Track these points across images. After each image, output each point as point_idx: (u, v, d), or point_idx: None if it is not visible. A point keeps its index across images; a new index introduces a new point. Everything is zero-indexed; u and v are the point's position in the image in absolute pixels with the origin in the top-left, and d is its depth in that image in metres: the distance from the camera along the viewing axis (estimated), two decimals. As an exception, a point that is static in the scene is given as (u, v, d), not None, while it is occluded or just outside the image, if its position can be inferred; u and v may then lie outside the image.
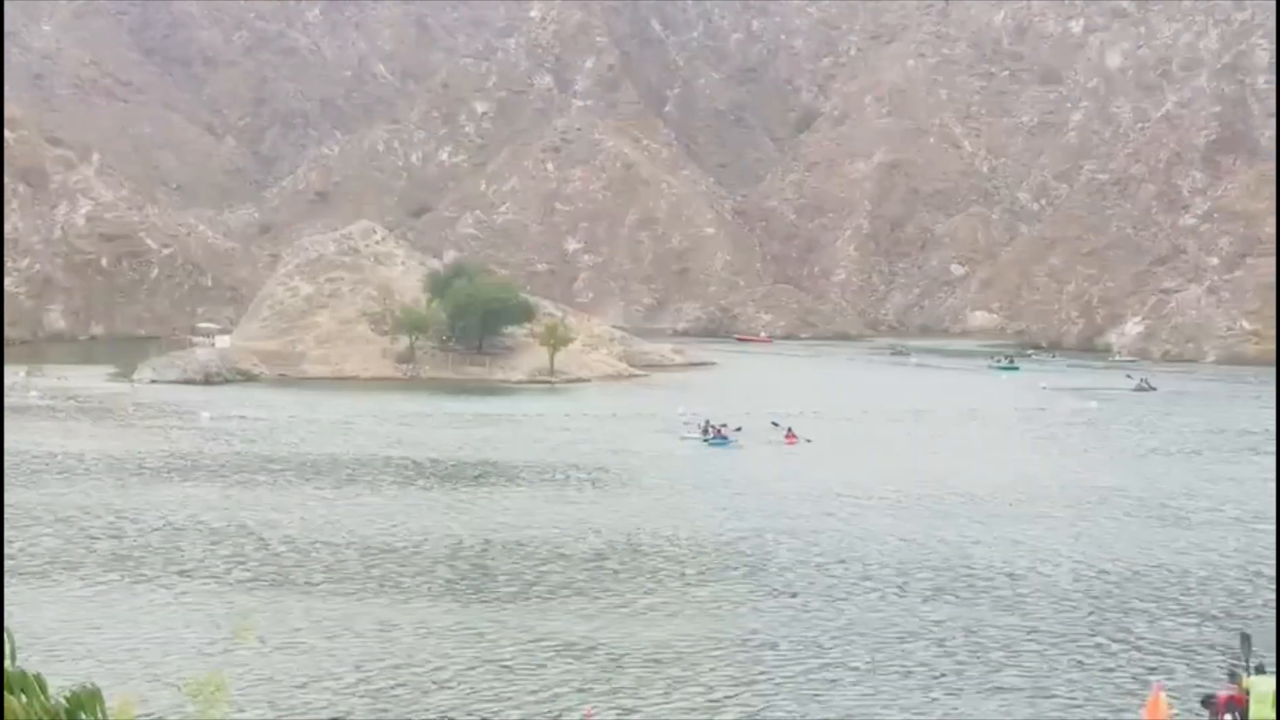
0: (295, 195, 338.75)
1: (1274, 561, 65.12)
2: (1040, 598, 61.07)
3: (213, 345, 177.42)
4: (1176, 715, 37.41)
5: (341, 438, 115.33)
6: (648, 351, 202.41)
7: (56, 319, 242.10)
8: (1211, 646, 52.84)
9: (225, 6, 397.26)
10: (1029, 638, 54.50)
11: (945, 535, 74.53)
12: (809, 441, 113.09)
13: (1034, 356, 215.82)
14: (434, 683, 48.57)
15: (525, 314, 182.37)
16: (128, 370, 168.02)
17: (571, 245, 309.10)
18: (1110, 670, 50.41)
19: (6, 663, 10.17)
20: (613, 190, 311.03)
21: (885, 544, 72.10)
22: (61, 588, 61.20)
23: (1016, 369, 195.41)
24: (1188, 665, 50.91)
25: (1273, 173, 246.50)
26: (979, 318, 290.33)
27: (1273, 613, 58.62)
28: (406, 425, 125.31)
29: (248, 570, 65.55)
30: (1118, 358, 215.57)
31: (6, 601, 55.48)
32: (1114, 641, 54.14)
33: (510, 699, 47.05)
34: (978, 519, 79.92)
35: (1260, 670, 37.47)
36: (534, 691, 47.71)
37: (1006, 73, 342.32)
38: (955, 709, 46.22)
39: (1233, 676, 38.18)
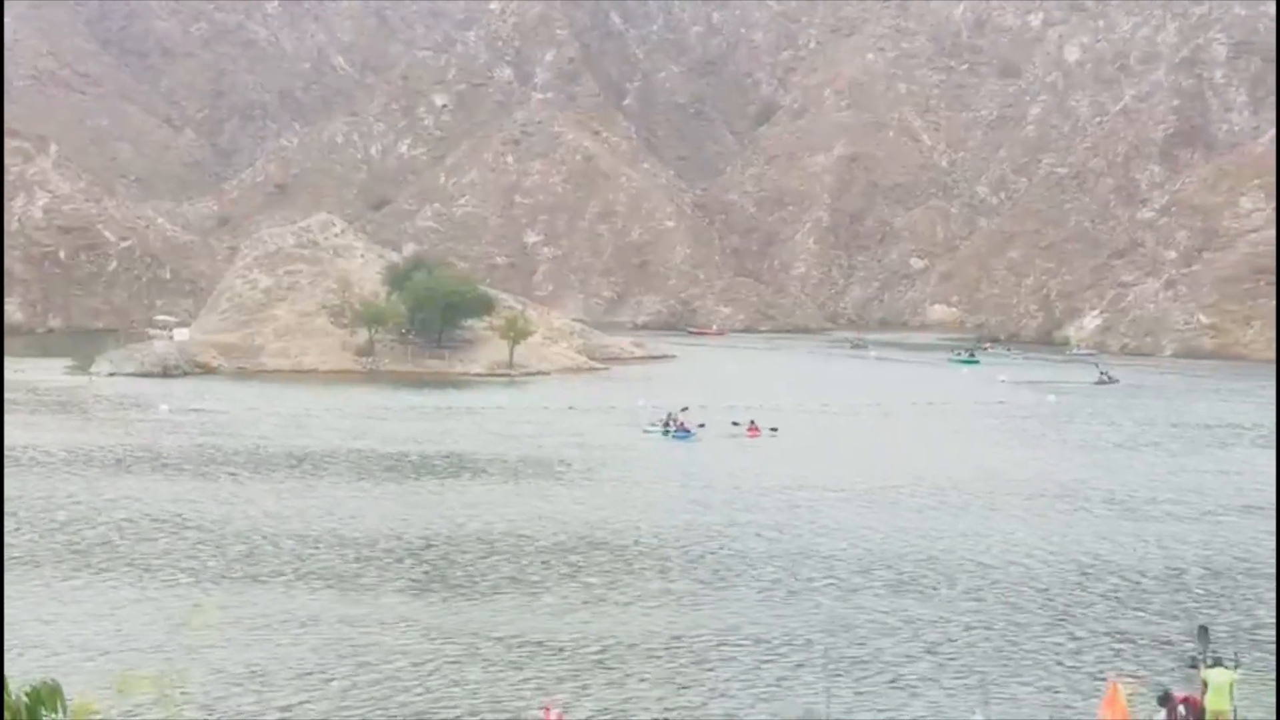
0: (254, 187, 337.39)
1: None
2: (1001, 591, 61.19)
3: (170, 338, 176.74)
4: (1134, 712, 37.47)
5: (301, 431, 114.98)
6: (607, 344, 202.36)
7: (14, 311, 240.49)
8: (1169, 640, 53.02)
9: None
10: (989, 631, 54.60)
11: (906, 528, 74.66)
12: (773, 432, 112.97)
13: (990, 350, 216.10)
14: (394, 676, 48.44)
15: (485, 307, 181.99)
16: (85, 363, 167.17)
17: (531, 238, 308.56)
18: (1071, 667, 50.50)
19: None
20: (572, 183, 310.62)
21: (846, 537, 72.17)
22: (21, 584, 60.78)
23: (976, 362, 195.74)
24: (1148, 659, 51.06)
25: (1230, 167, 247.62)
26: (938, 311, 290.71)
27: (1233, 606, 58.89)
28: (366, 418, 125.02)
29: (207, 564, 65.28)
30: (1076, 351, 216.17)
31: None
32: (1074, 636, 54.26)
33: (471, 692, 46.97)
34: (939, 512, 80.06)
35: (1218, 663, 37.60)
36: (494, 685, 47.62)
37: (965, 66, 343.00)
38: (910, 704, 46.28)
39: (1195, 667, 38.28)
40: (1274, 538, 70.42)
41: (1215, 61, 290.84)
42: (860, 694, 46.99)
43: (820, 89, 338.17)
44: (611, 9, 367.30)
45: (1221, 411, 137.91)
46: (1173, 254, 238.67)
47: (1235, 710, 36.91)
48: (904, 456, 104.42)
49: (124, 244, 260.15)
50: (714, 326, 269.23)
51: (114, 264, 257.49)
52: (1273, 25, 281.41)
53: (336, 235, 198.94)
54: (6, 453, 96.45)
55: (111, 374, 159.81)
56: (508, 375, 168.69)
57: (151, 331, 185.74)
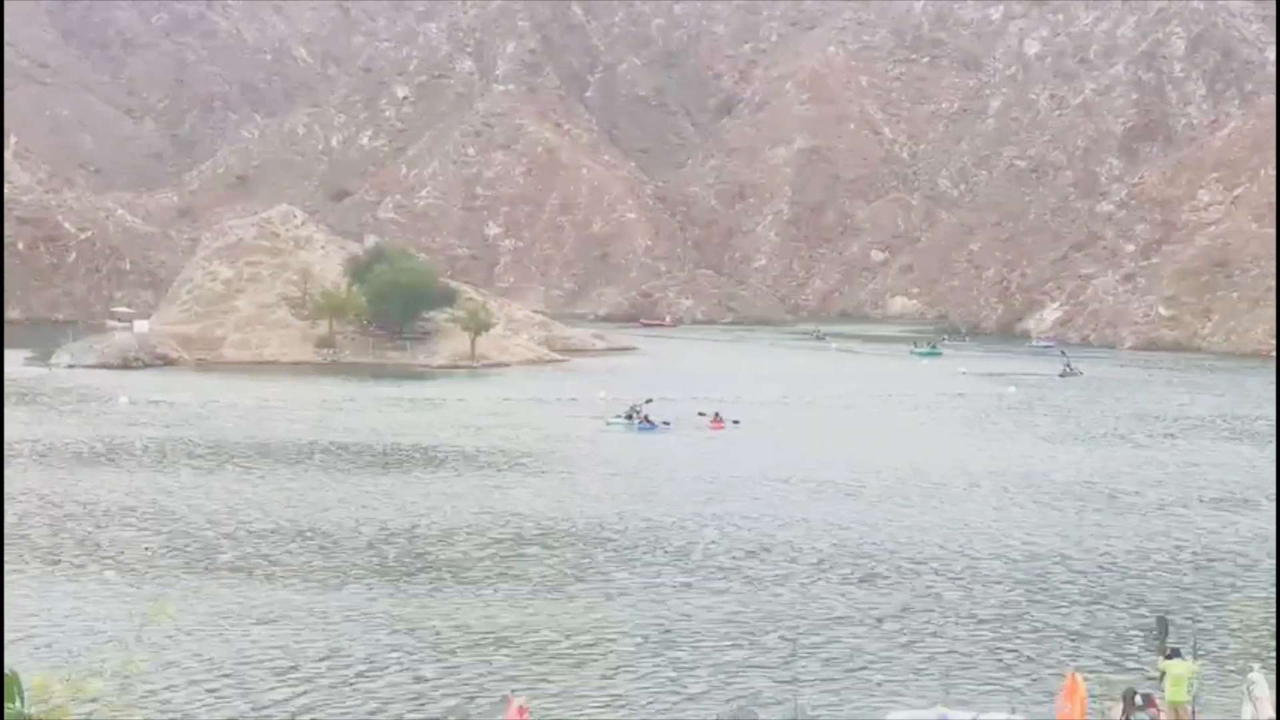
0: (215, 179, 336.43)
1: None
2: (963, 582, 61.35)
3: (130, 329, 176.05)
4: (1092, 704, 37.60)
5: (263, 422, 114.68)
6: (569, 336, 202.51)
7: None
8: (1130, 631, 53.23)
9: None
10: (951, 623, 54.72)
11: (867, 520, 74.79)
12: (736, 423, 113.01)
13: (948, 341, 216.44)
14: (359, 669, 48.35)
15: (446, 299, 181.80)
16: (45, 354, 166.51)
17: (492, 230, 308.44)
18: (1032, 658, 50.64)
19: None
20: (534, 175, 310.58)
21: (807, 528, 72.26)
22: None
23: (938, 354, 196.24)
24: (1108, 650, 51.26)
25: (1189, 160, 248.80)
26: (899, 303, 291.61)
27: (1193, 597, 59.20)
28: (328, 410, 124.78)
29: (169, 557, 65.05)
30: (1036, 343, 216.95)
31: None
32: (1036, 627, 54.43)
33: (435, 684, 46.93)
34: (901, 503, 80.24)
35: (1176, 654, 37.75)
36: (458, 677, 47.59)
37: (926, 59, 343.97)
38: (872, 694, 46.37)
39: (1166, 655, 38.32)
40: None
41: (1174, 55, 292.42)
42: (821, 685, 47.02)
43: (781, 82, 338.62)
44: (573, 1, 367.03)
45: (1182, 403, 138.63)
46: (1132, 247, 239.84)
47: (1194, 702, 37.07)
48: (865, 448, 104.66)
49: (84, 235, 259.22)
50: (666, 318, 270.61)
51: (73, 255, 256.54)
52: (1231, 19, 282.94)
53: (297, 226, 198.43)
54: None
55: (71, 365, 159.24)
56: (469, 367, 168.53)
57: (111, 323, 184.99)
